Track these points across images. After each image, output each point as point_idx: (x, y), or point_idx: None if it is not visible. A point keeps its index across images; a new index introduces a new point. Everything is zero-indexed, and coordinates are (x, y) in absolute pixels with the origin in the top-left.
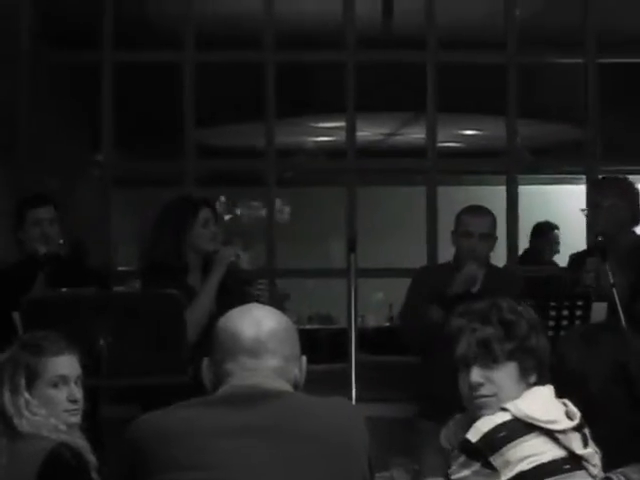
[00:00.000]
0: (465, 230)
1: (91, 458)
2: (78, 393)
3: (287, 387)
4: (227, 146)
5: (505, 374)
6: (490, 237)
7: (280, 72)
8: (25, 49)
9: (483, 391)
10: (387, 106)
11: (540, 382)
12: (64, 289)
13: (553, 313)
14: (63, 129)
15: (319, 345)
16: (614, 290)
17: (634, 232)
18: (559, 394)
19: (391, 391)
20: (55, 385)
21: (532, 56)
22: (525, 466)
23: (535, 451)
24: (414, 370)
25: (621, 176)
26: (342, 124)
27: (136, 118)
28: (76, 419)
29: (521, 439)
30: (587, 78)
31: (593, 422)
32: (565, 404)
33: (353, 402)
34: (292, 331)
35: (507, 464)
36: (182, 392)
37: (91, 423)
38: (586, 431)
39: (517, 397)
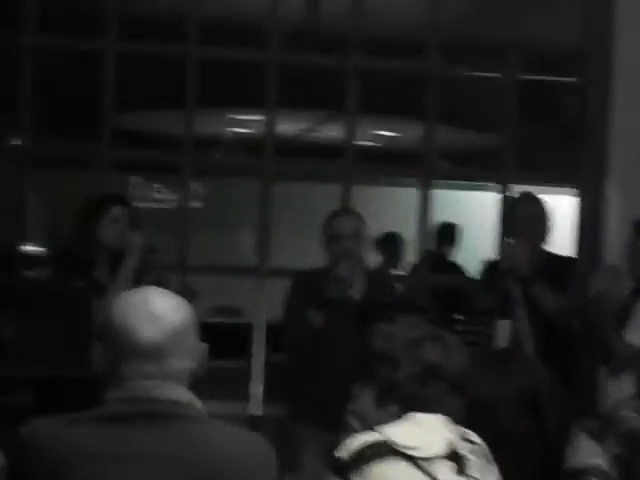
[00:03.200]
0: (332, 233)
1: None
2: None
3: (189, 396)
4: (146, 131)
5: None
6: (357, 236)
7: (202, 63)
8: None
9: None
10: (307, 103)
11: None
12: None
13: (460, 327)
14: None
15: (225, 339)
16: (519, 308)
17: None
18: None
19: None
20: None
21: (452, 68)
22: None
23: (394, 475)
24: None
25: (532, 193)
26: (261, 117)
27: (57, 102)
28: None
29: (381, 460)
30: (506, 91)
31: (501, 452)
32: (464, 433)
33: (256, 401)
34: (191, 321)
35: None
36: (81, 386)
37: None
38: (468, 460)
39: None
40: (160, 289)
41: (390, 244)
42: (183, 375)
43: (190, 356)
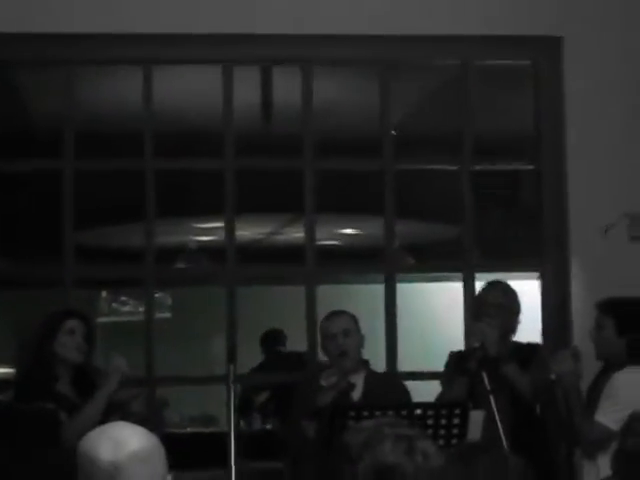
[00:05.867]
0: (325, 333)
1: None
2: None
3: None
4: (108, 246)
5: None
6: (350, 334)
7: (159, 174)
8: None
9: None
10: (267, 207)
11: None
12: None
13: (430, 422)
14: None
15: (200, 448)
16: (491, 397)
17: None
18: None
19: None
20: None
21: (407, 163)
22: None
23: None
24: (297, 476)
25: (502, 280)
26: (222, 224)
27: (17, 222)
28: None
29: None
30: (462, 183)
31: None
32: None
33: None
34: (156, 450)
35: None
36: None
37: None
38: None
39: None
40: (124, 423)
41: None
42: None
43: None
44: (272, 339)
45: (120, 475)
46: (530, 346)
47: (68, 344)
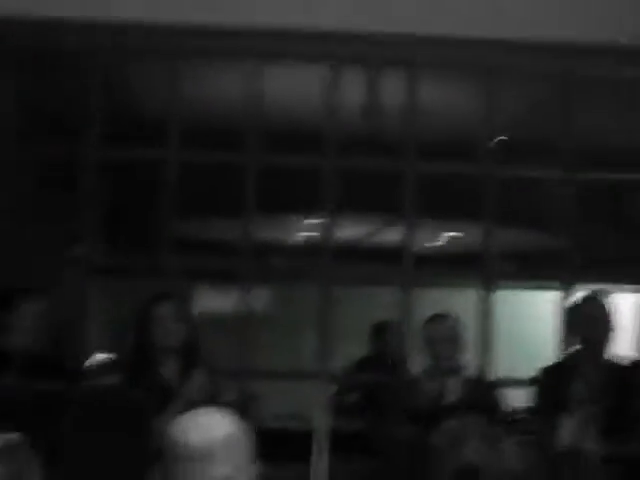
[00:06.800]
0: (427, 336)
1: None
2: None
3: None
4: (206, 239)
5: None
6: (452, 340)
7: (261, 169)
8: (8, 145)
9: None
10: (369, 207)
11: None
12: (35, 381)
13: (520, 427)
14: (48, 223)
15: (288, 444)
16: (584, 405)
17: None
18: None
19: None
20: None
21: (511, 168)
22: None
23: None
24: (388, 475)
25: (600, 293)
26: (320, 222)
27: (119, 211)
28: None
29: None
30: (564, 192)
31: None
32: None
33: None
34: (244, 438)
35: None
36: None
37: None
38: None
39: None
40: (215, 409)
41: (383, 333)
42: None
43: (241, 469)
44: (381, 332)
45: (208, 459)
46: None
47: (160, 331)
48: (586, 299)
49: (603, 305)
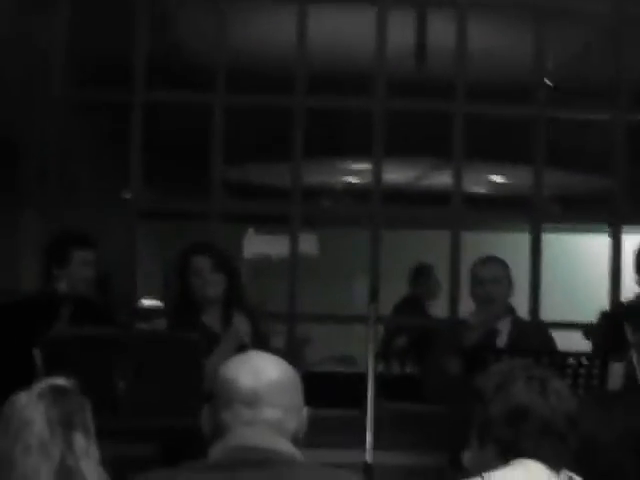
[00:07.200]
0: (476, 277)
1: None
2: None
3: (287, 446)
4: (255, 183)
5: None
6: (501, 282)
7: (309, 113)
8: (57, 91)
9: None
10: (416, 150)
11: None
12: (86, 328)
13: (570, 371)
14: (95, 166)
15: (338, 388)
16: (633, 350)
17: None
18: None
19: (415, 439)
20: None
21: (560, 110)
22: None
23: None
24: (437, 419)
25: None
26: (369, 166)
27: (166, 154)
28: None
29: None
30: (617, 132)
31: None
32: (571, 477)
33: (369, 449)
34: (294, 382)
35: None
36: (197, 436)
37: None
38: None
39: None
40: (264, 353)
41: (422, 276)
42: (282, 428)
43: (290, 413)
44: (421, 274)
45: (258, 402)
46: None
47: (199, 282)
48: None
49: None
